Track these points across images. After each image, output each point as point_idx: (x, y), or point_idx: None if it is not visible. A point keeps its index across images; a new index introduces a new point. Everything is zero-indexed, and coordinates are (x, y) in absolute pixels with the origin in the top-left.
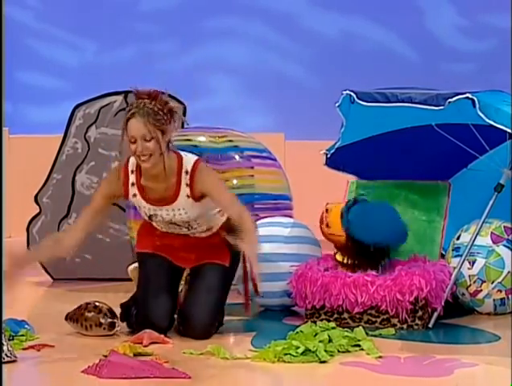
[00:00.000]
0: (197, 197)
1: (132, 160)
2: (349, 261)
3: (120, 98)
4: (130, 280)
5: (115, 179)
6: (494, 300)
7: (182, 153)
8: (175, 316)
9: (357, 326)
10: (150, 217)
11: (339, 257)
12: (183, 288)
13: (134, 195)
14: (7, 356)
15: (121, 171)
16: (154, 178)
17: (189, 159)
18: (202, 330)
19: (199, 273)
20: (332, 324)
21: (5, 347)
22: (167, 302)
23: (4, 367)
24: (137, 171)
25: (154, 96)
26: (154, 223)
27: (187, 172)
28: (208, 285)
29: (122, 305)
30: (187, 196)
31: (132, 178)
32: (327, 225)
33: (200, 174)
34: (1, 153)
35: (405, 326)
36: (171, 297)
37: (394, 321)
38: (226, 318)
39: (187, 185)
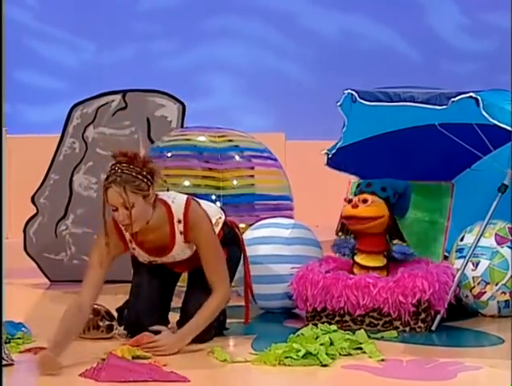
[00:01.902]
0: (191, 242)
1: None
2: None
3: (118, 97)
4: (128, 282)
5: (105, 242)
6: (498, 302)
7: (168, 199)
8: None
9: (359, 329)
10: (150, 263)
11: (360, 260)
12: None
13: (134, 249)
14: (4, 359)
15: (112, 231)
16: (147, 230)
17: (178, 207)
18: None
19: (194, 274)
20: (334, 327)
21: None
22: (159, 306)
23: None
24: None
25: (132, 158)
26: None
27: (179, 221)
28: (203, 287)
29: (118, 310)
30: (184, 242)
31: (127, 235)
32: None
33: (193, 225)
34: (1, 154)
35: (407, 328)
36: (163, 300)
37: (397, 323)
38: (226, 320)
39: (181, 233)
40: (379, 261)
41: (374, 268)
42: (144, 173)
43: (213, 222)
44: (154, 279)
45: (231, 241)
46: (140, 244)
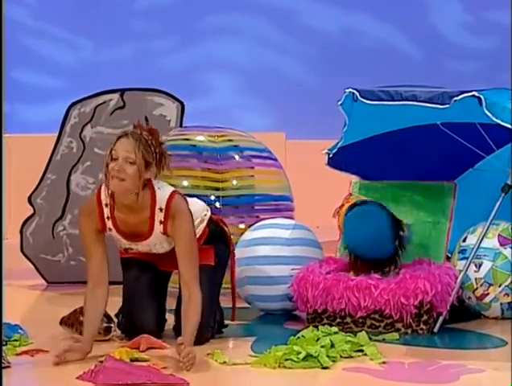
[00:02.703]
0: (170, 236)
1: (104, 193)
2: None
3: (116, 96)
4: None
5: (89, 218)
6: (501, 304)
7: (155, 185)
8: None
9: (360, 331)
10: (126, 250)
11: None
12: None
13: (110, 230)
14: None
15: (93, 207)
16: (127, 209)
17: (163, 195)
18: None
19: None
20: (335, 329)
21: None
22: (153, 306)
23: None
24: (111, 204)
25: (154, 132)
26: None
27: (161, 209)
28: None
29: (116, 316)
30: (162, 233)
31: (106, 211)
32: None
33: (174, 218)
34: (1, 154)
35: (409, 330)
36: (157, 300)
37: (399, 325)
38: (225, 322)
39: (160, 222)
40: None
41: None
42: (157, 150)
43: (199, 219)
44: (144, 281)
45: (217, 238)
46: (117, 224)
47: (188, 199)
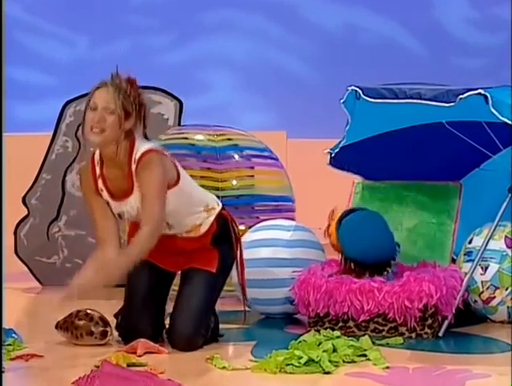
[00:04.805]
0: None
1: (97, 152)
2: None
3: None
4: (123, 286)
5: (86, 178)
6: (508, 307)
7: (140, 141)
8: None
9: (363, 335)
10: (119, 216)
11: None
12: None
13: (102, 190)
14: None
15: (88, 166)
16: (111, 164)
17: (140, 147)
18: (183, 340)
19: (183, 279)
20: (337, 333)
21: None
22: (151, 310)
23: None
24: (100, 162)
25: (133, 82)
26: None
27: (135, 160)
28: (190, 293)
29: (115, 316)
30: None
31: (98, 169)
32: (329, 235)
33: (143, 167)
34: (1, 154)
35: (414, 334)
36: (156, 304)
37: (402, 329)
38: (225, 326)
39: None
40: None
41: None
42: (136, 100)
43: (201, 209)
44: (148, 284)
45: (224, 239)
46: (107, 183)
47: (200, 189)
